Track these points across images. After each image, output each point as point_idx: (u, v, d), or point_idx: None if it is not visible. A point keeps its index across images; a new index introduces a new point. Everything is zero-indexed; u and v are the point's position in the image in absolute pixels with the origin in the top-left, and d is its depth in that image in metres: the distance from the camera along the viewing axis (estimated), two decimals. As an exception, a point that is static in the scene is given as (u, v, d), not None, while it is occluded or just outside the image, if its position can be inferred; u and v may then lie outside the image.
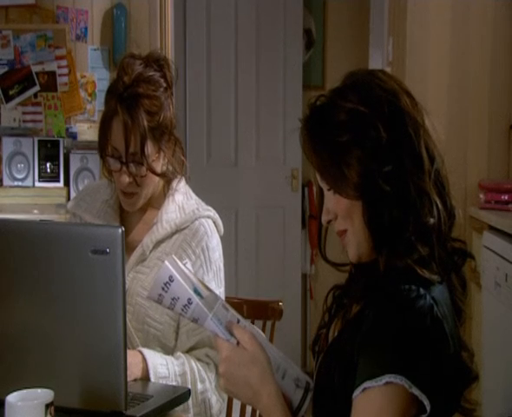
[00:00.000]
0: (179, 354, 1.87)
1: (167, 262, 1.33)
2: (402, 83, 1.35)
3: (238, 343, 1.31)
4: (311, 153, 1.33)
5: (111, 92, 1.88)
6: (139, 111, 1.83)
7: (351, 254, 1.36)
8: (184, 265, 1.36)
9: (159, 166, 1.90)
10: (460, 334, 1.31)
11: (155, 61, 1.92)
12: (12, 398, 1.34)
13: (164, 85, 1.90)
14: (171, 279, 1.31)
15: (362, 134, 1.28)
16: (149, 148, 1.86)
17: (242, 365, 1.30)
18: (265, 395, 1.29)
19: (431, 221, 1.28)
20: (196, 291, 1.32)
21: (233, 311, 1.35)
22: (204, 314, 1.32)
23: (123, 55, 1.97)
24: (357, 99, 1.29)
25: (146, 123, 1.84)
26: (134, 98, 1.84)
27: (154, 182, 1.93)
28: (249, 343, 1.31)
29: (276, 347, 1.38)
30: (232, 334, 1.32)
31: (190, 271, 1.38)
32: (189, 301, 1.31)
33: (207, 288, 1.36)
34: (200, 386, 1.84)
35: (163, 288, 1.32)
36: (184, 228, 1.93)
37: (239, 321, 1.34)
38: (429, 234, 1.28)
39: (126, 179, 1.88)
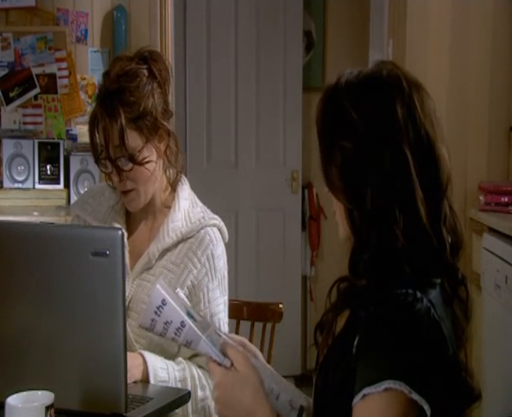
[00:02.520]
0: (180, 359, 1.87)
1: (158, 286, 1.30)
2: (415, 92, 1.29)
3: (232, 364, 1.30)
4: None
5: (96, 98, 1.92)
6: (115, 106, 1.83)
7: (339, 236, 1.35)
8: (175, 292, 1.34)
9: (149, 158, 1.88)
10: (459, 334, 1.31)
11: (140, 54, 1.92)
12: (12, 400, 1.34)
13: (146, 74, 1.89)
14: (164, 302, 1.29)
15: (343, 137, 1.26)
16: (133, 139, 1.85)
17: (235, 387, 1.29)
18: (260, 416, 1.28)
19: (400, 245, 1.24)
20: (189, 314, 1.31)
21: (225, 337, 1.33)
22: (197, 336, 1.30)
23: None
24: (353, 102, 1.26)
25: (123, 115, 1.83)
26: (112, 95, 1.85)
27: (149, 175, 1.90)
28: (242, 364, 1.30)
29: (275, 369, 1.37)
30: (225, 356, 1.30)
31: (181, 297, 1.36)
32: (182, 324, 1.29)
33: (199, 315, 1.35)
34: (200, 393, 1.84)
35: (156, 312, 1.29)
36: (190, 237, 1.93)
37: None
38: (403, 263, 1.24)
39: (116, 178, 1.88)
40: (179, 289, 1.38)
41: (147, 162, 1.88)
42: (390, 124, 1.25)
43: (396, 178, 1.24)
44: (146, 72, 1.89)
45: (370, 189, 1.24)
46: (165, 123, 1.91)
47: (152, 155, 1.89)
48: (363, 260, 1.26)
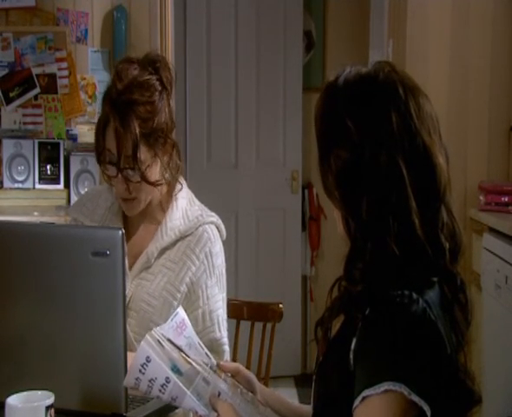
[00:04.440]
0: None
1: (143, 343, 1.29)
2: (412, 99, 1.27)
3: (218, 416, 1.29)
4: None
5: (105, 98, 1.89)
6: (130, 118, 1.82)
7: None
8: (164, 339, 1.31)
9: (155, 171, 1.89)
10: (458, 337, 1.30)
11: (151, 63, 1.91)
12: (12, 400, 1.34)
13: (159, 88, 1.88)
14: (148, 359, 1.28)
15: (338, 146, 1.26)
16: (143, 154, 1.85)
17: None
18: None
19: (394, 255, 1.23)
20: (175, 368, 1.29)
21: (215, 382, 1.31)
22: (182, 392, 1.28)
23: (123, 57, 1.97)
24: (349, 109, 1.25)
25: (138, 130, 1.82)
26: (127, 105, 1.83)
27: (153, 187, 1.91)
28: (227, 411, 1.29)
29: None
30: (213, 407, 1.29)
31: (172, 345, 1.31)
32: (167, 380, 1.28)
33: (189, 362, 1.31)
34: None
35: (140, 371, 1.27)
36: (188, 235, 1.93)
37: (220, 394, 1.31)
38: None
39: (121, 186, 1.88)
40: (174, 320, 1.34)
41: (158, 184, 1.89)
42: (385, 134, 1.24)
43: (390, 189, 1.23)
44: (158, 85, 1.88)
45: (366, 200, 1.24)
46: (172, 137, 1.92)
47: (157, 169, 1.89)
48: (358, 268, 1.26)
